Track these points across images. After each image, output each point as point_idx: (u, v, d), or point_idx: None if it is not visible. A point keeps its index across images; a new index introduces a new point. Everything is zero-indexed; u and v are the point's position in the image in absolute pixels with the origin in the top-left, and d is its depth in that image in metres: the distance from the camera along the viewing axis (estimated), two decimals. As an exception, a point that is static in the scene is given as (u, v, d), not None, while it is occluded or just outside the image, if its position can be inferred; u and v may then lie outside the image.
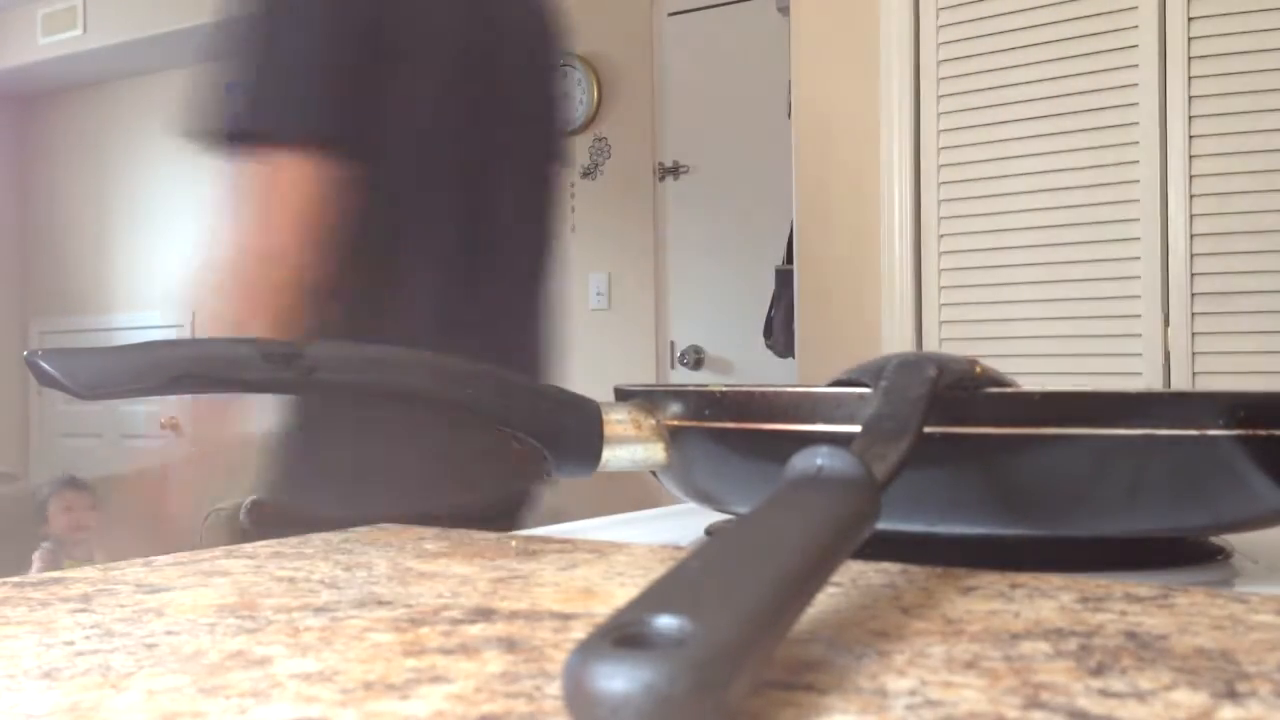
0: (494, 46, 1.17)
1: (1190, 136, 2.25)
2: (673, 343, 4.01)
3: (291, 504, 1.19)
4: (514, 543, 0.41)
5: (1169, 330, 2.29)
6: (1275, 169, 2.16)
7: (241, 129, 1.05)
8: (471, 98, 1.14)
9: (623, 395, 0.49)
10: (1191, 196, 2.22)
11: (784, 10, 2.80)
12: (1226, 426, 0.37)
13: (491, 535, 0.43)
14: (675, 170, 3.98)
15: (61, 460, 5.54)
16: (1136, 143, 2.28)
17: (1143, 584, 0.32)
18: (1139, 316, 2.29)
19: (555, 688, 0.22)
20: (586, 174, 4.08)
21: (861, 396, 0.39)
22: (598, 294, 4.07)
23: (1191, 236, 2.22)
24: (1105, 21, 2.32)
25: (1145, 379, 2.28)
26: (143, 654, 0.25)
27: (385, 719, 0.20)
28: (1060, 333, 2.35)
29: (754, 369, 3.72)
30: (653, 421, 0.47)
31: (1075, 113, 2.33)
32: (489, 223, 1.15)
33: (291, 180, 1.04)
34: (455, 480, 1.14)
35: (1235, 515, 0.41)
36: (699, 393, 0.45)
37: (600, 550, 0.39)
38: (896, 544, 0.38)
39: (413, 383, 0.43)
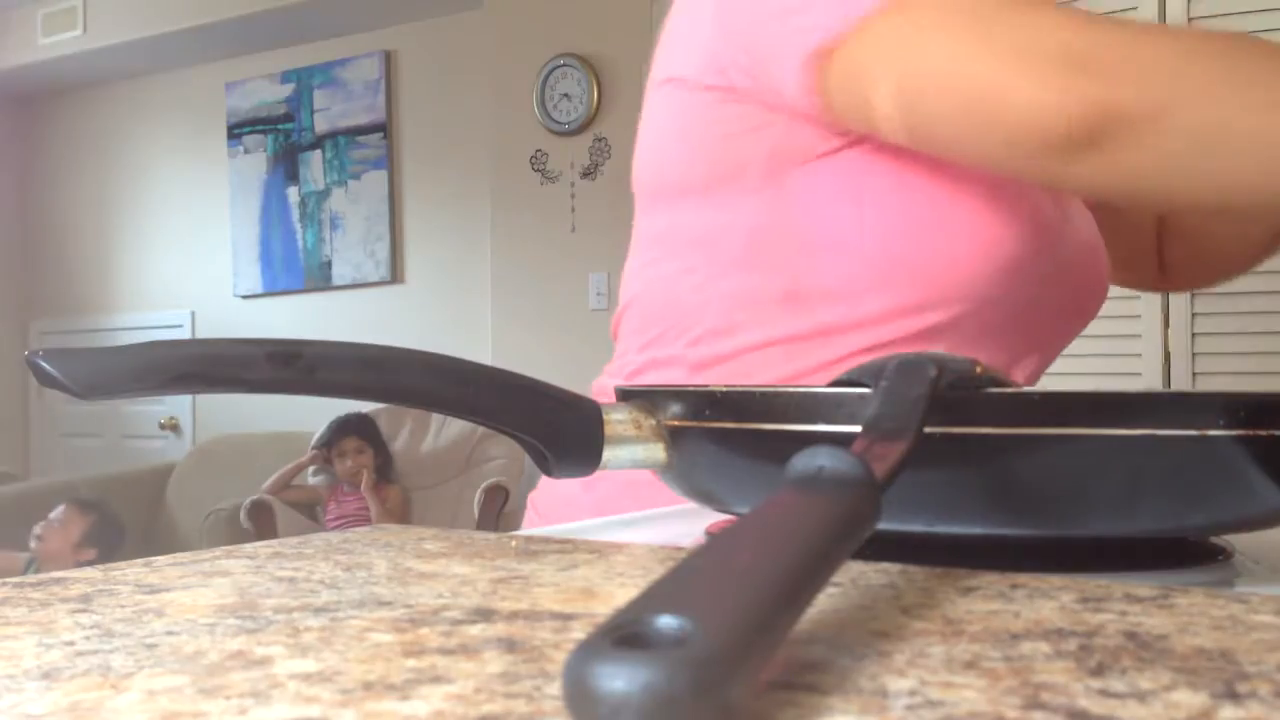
0: None
1: (1190, 137, 2.24)
2: (673, 343, 4.00)
3: None
4: (514, 543, 0.41)
5: (1169, 330, 2.28)
6: (1275, 169, 2.16)
7: None
8: None
9: (623, 395, 0.49)
10: (1191, 197, 2.22)
11: (784, 10, 2.79)
12: (1226, 426, 0.37)
13: (492, 535, 0.43)
14: (675, 170, 3.97)
15: (61, 460, 5.55)
16: (1136, 143, 2.27)
17: (1143, 584, 0.32)
18: (1139, 317, 2.29)
19: (555, 688, 0.22)
20: (586, 174, 4.08)
21: (861, 396, 0.39)
22: (598, 294, 4.07)
23: (1191, 237, 2.22)
24: (1105, 22, 2.32)
25: (1145, 379, 2.28)
26: (143, 654, 0.25)
27: (385, 719, 0.20)
28: (1060, 333, 2.35)
29: (754, 369, 3.72)
30: (653, 421, 0.47)
31: (1075, 113, 2.32)
32: None
33: None
34: None
35: (1235, 515, 0.41)
36: (699, 393, 0.45)
37: (600, 550, 0.39)
38: (896, 544, 0.38)
39: (412, 383, 0.43)
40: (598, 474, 0.47)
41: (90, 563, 3.64)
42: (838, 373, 0.75)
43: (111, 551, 3.78)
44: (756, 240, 0.76)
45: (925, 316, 0.76)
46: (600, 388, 0.88)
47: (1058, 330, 0.88)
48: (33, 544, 3.75)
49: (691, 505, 0.51)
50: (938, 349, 0.75)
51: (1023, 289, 0.78)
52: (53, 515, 3.81)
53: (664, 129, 0.81)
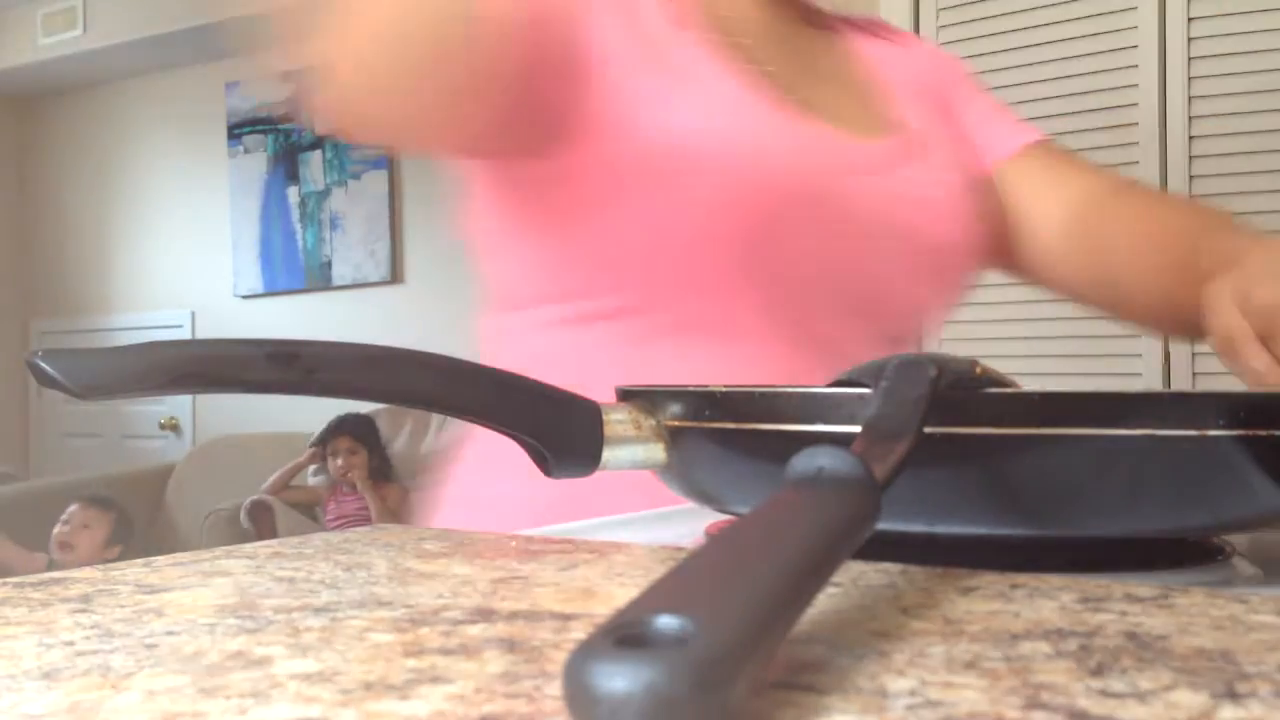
0: None
1: (1190, 137, 2.25)
2: (673, 343, 4.00)
3: None
4: (514, 543, 0.41)
5: (1169, 330, 2.28)
6: (1275, 169, 2.17)
7: None
8: None
9: (623, 395, 0.49)
10: (1191, 197, 2.22)
11: (784, 10, 2.79)
12: (1227, 427, 0.37)
13: (491, 535, 0.43)
14: (675, 170, 3.96)
15: (61, 460, 5.55)
16: (1136, 143, 2.28)
17: (1143, 584, 0.32)
18: (1139, 317, 2.29)
19: (555, 688, 0.22)
20: (586, 174, 4.07)
21: (861, 397, 0.39)
22: (598, 294, 4.07)
23: (1191, 237, 2.21)
24: (1105, 22, 2.32)
25: (1145, 379, 2.28)
26: (143, 654, 0.25)
27: (385, 719, 0.20)
28: (1060, 333, 2.35)
29: (754, 369, 3.71)
30: (653, 421, 0.47)
31: (1075, 113, 2.33)
32: None
33: None
34: None
35: (1235, 515, 0.41)
36: (699, 393, 0.45)
37: (600, 550, 0.39)
38: (896, 544, 0.38)
39: (412, 383, 0.43)
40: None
41: (113, 560, 3.59)
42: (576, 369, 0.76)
43: (129, 548, 3.76)
44: (524, 286, 0.83)
45: (665, 307, 0.75)
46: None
47: (891, 300, 0.82)
48: (57, 553, 3.71)
49: (691, 505, 0.51)
50: (704, 337, 0.74)
51: (788, 249, 0.75)
52: (66, 518, 3.76)
53: None
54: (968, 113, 0.92)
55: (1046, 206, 0.89)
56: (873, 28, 0.95)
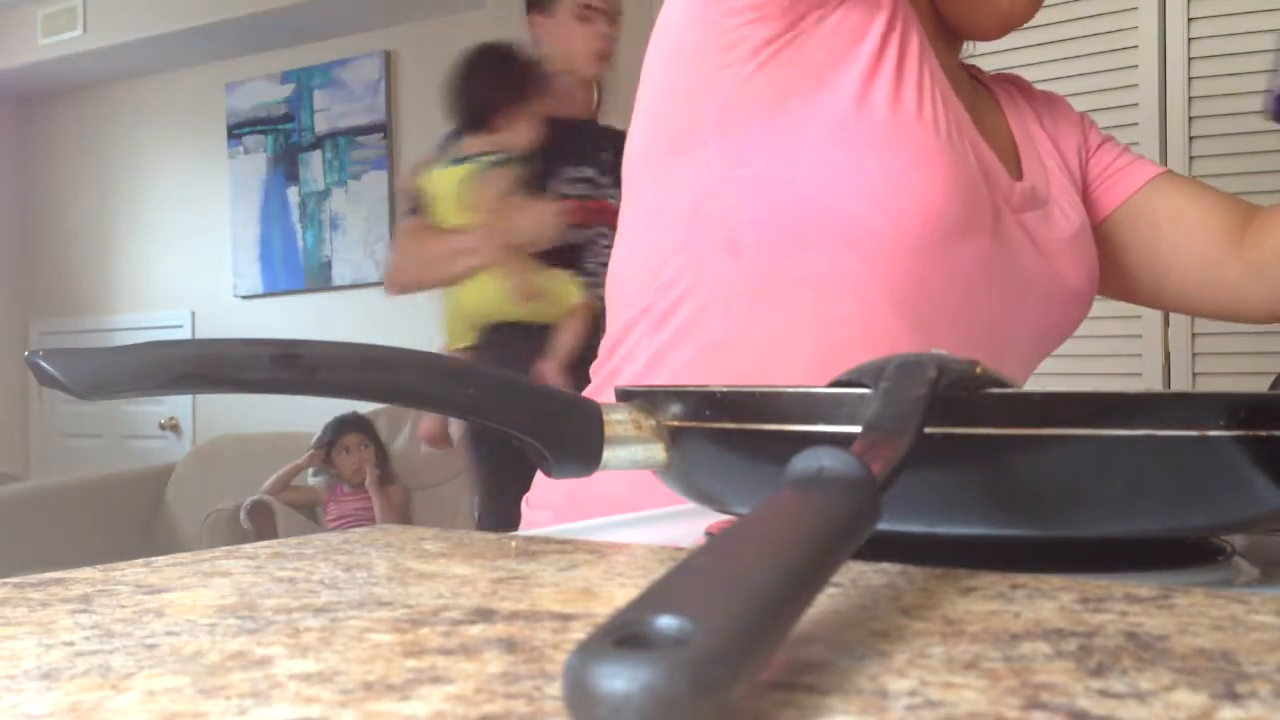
0: None
1: (1190, 137, 2.25)
2: (673, 343, 4.00)
3: None
4: (514, 543, 0.41)
5: (1169, 330, 2.29)
6: (1275, 170, 2.16)
7: None
8: None
9: (623, 395, 0.49)
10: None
11: (784, 10, 2.79)
12: (1227, 427, 0.37)
13: (492, 535, 0.43)
14: (675, 170, 3.97)
15: (61, 460, 5.55)
16: (1137, 143, 2.28)
17: (1143, 584, 0.32)
18: (1139, 317, 2.29)
19: (555, 688, 0.22)
20: (586, 174, 4.07)
21: (861, 397, 0.39)
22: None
23: (1191, 237, 2.22)
24: (1105, 22, 2.32)
25: (1145, 379, 2.28)
26: (143, 654, 0.25)
27: (385, 719, 0.20)
28: (1060, 333, 2.35)
29: (754, 369, 3.71)
30: (653, 422, 0.47)
31: (1075, 113, 2.33)
32: None
33: None
34: None
35: (1235, 515, 0.41)
36: (699, 393, 0.45)
37: (600, 550, 0.39)
38: (896, 544, 0.38)
39: (413, 383, 0.43)
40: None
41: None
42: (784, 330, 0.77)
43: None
44: (704, 195, 0.80)
45: (864, 280, 0.76)
46: (595, 367, 0.90)
47: (1007, 334, 0.86)
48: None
49: (691, 505, 0.51)
50: (885, 323, 0.76)
51: (958, 262, 0.78)
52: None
53: (637, 105, 0.85)
54: (1096, 162, 0.98)
55: (1198, 215, 0.94)
56: (1017, 84, 1.02)
